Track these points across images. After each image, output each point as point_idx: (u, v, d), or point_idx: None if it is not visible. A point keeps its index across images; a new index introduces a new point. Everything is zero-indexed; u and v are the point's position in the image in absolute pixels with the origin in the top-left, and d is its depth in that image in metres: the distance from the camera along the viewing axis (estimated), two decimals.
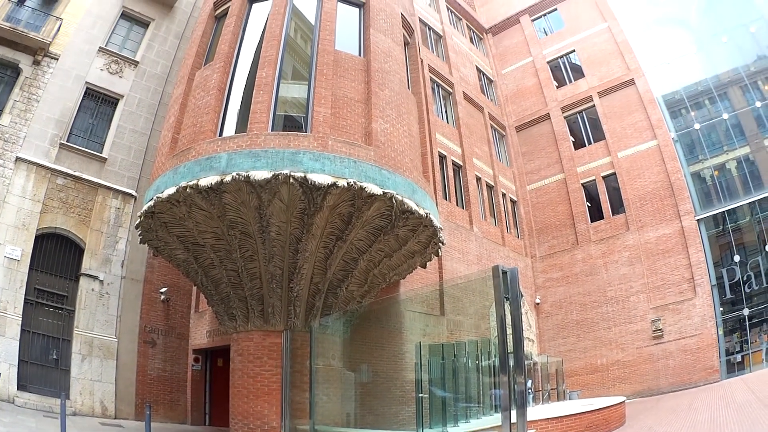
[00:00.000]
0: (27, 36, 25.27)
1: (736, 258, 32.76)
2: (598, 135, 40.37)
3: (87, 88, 27.08)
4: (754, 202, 33.20)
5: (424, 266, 22.77)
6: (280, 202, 16.21)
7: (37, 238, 23.47)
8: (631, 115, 39.11)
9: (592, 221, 38.35)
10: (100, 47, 28.10)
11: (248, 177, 15.62)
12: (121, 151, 26.93)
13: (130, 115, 27.98)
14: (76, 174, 24.95)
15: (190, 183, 16.02)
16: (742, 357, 31.81)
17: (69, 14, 27.68)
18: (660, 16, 42.07)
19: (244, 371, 18.67)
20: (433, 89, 36.29)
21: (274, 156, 16.15)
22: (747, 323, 31.79)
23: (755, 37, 37.04)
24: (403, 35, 24.25)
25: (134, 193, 26.42)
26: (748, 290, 32.00)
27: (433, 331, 27.07)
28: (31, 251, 23.05)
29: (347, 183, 16.24)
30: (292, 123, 18.80)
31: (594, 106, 41.19)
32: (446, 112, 37.79)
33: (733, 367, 31.60)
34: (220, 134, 18.05)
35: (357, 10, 22.44)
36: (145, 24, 30.95)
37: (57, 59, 26.56)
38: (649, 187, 36.46)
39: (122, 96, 28.08)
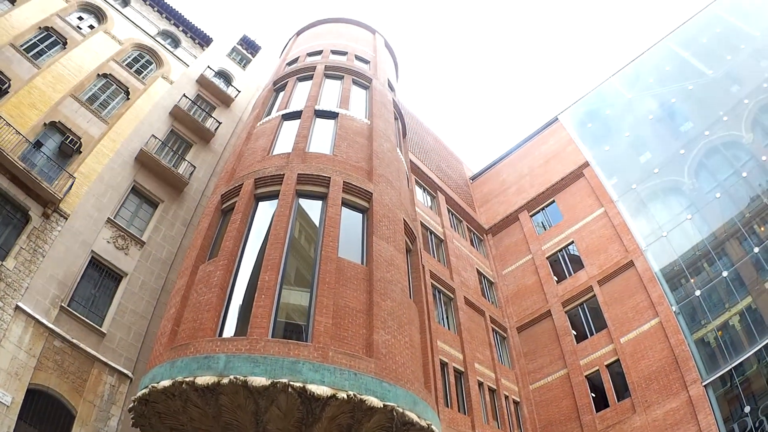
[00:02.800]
0: (40, 185, 25.42)
1: (747, 408, 31.83)
2: (600, 323, 40.06)
3: (92, 257, 27.06)
4: (760, 349, 32.72)
5: None
6: (277, 409, 15.98)
7: (28, 391, 22.48)
8: (631, 297, 39.02)
9: (597, 411, 37.13)
10: (108, 218, 28.36)
11: (246, 382, 15.48)
12: (120, 329, 26.44)
13: (132, 296, 27.73)
14: (74, 341, 24.34)
15: (187, 379, 15.89)
16: None
17: (82, 174, 28.23)
18: (655, 189, 42.98)
19: None
20: (434, 295, 36.50)
21: (273, 363, 16.06)
22: None
23: (748, 180, 37.73)
24: (406, 242, 24.76)
25: (130, 374, 25.62)
26: None
27: None
28: (21, 402, 21.93)
29: (347, 395, 16.02)
30: (292, 329, 18.78)
31: (594, 295, 41.10)
32: (447, 317, 37.73)
33: None
34: (220, 333, 18.05)
35: (360, 215, 23.27)
36: (154, 204, 31.52)
37: (66, 218, 26.73)
38: (654, 366, 35.70)
39: (126, 274, 27.97)
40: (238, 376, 15.65)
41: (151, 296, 28.56)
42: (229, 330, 18.44)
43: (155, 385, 16.66)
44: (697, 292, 36.16)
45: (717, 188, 39.10)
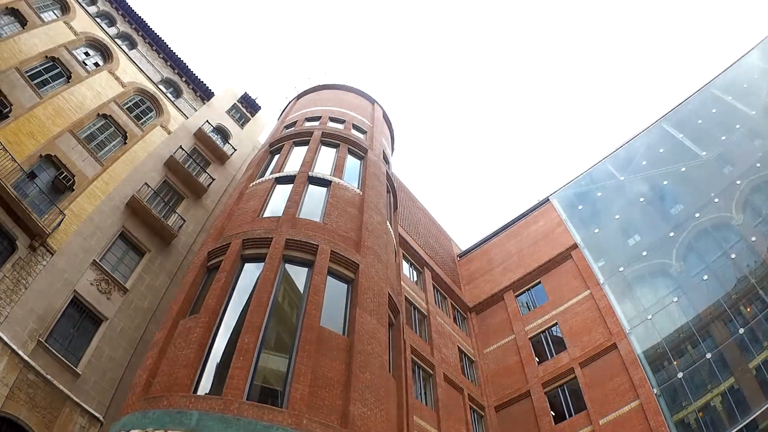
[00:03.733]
0: (30, 216, 25.54)
1: None
2: (580, 405, 39.61)
3: (74, 296, 27.01)
4: (741, 428, 32.47)
5: None
6: None
7: None
8: (612, 379, 38.75)
9: None
10: (94, 260, 28.40)
11: None
12: (95, 372, 26.29)
13: (111, 341, 27.70)
14: (48, 377, 24.21)
15: (158, 431, 15.79)
16: None
17: (72, 212, 28.39)
18: (642, 272, 43.18)
19: None
20: (413, 370, 36.23)
21: (246, 426, 15.93)
22: None
23: (736, 262, 38.02)
24: (389, 315, 24.86)
25: (101, 418, 25.48)
26: None
27: None
28: None
29: None
30: (268, 394, 18.61)
31: (575, 377, 40.82)
32: (425, 393, 37.39)
33: None
34: (195, 390, 17.87)
35: (345, 286, 23.40)
36: (141, 253, 31.71)
37: (52, 254, 26.82)
38: None
39: (107, 318, 27.98)
40: None
41: (129, 344, 28.59)
42: (205, 387, 18.27)
43: None
44: (680, 375, 36.06)
45: (705, 270, 39.35)
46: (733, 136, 46.22)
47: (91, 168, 31.26)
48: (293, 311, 21.71)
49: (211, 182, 39.26)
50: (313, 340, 19.52)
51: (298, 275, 22.97)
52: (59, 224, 27.29)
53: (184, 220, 35.21)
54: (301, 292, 22.11)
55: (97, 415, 25.47)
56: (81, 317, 27.37)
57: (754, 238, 38.22)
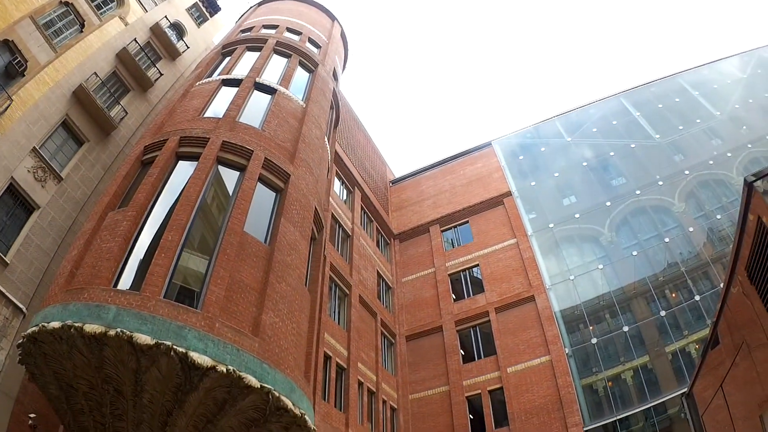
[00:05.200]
0: None
1: None
2: (490, 350, 40.44)
3: (11, 183, 26.19)
4: (650, 408, 33.29)
5: None
6: (157, 371, 15.64)
7: None
8: (526, 331, 39.52)
9: None
10: (34, 147, 27.58)
11: (131, 338, 15.15)
12: (23, 262, 25.66)
13: (41, 231, 27.04)
14: None
15: (76, 324, 15.44)
16: None
17: (19, 98, 27.29)
18: (571, 233, 43.75)
19: None
20: (330, 288, 36.27)
21: (160, 325, 15.78)
22: None
23: (669, 246, 38.80)
24: (312, 230, 24.99)
25: (25, 309, 24.87)
26: None
27: None
28: None
29: (227, 370, 15.87)
30: (186, 294, 18.47)
31: (489, 321, 41.51)
32: (339, 312, 37.60)
33: None
34: (116, 284, 17.67)
35: (274, 194, 23.29)
36: (80, 142, 30.86)
37: None
38: (537, 401, 36.20)
39: (39, 207, 27.28)
40: (125, 331, 15.32)
41: (57, 234, 28.00)
42: (125, 283, 17.98)
43: (45, 324, 16.18)
44: (594, 340, 36.77)
45: (636, 247, 40.09)
46: (692, 129, 46.88)
47: (45, 55, 30.08)
48: (220, 214, 21.48)
49: (159, 77, 38.24)
50: (234, 245, 19.41)
51: (230, 179, 22.72)
52: (5, 109, 26.24)
53: (126, 113, 34.31)
54: (230, 195, 21.92)
55: (20, 306, 24.97)
56: (15, 205, 26.63)
57: (691, 229, 39.04)
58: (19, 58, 28.16)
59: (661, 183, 42.91)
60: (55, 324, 15.88)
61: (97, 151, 31.69)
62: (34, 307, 24.43)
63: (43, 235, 27.21)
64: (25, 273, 25.74)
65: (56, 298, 17.42)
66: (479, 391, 38.80)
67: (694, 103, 49.48)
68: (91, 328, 15.37)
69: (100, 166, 31.53)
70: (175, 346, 15.41)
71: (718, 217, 38.89)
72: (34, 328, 16.57)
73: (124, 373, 15.92)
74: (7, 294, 24.42)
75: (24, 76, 28.32)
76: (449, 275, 46.42)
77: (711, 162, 42.77)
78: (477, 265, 45.92)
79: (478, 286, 44.99)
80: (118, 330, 15.27)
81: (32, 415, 25.52)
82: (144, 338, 15.30)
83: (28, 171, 27.17)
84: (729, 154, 42.56)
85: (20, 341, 17.29)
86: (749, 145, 42.63)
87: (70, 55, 31.57)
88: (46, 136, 28.89)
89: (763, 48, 52.10)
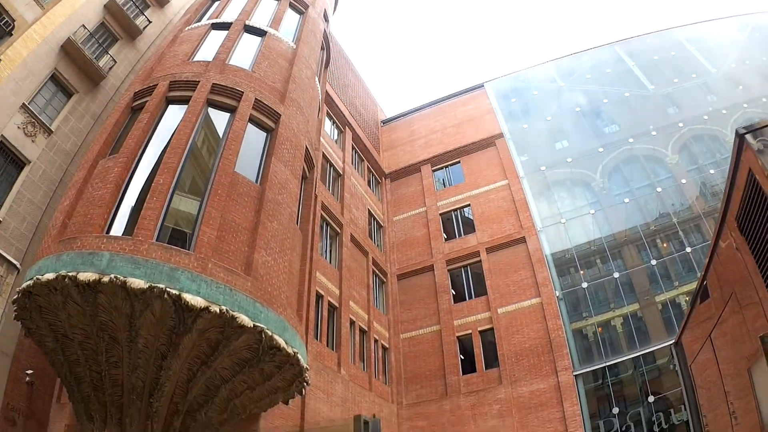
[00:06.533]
0: None
1: (615, 410, 32.87)
2: (481, 290, 40.77)
3: (1, 141, 26.17)
4: (638, 357, 33.68)
5: (286, 403, 22.49)
6: (151, 315, 15.76)
7: None
8: (517, 272, 39.82)
9: (463, 374, 38.03)
10: (23, 103, 27.40)
11: (125, 283, 15.22)
12: (15, 218, 25.73)
13: (32, 185, 27.07)
14: None
15: (70, 273, 15.49)
16: None
17: (7, 58, 27.10)
18: (563, 177, 43.75)
19: None
20: (321, 226, 36.34)
21: (153, 268, 15.83)
22: None
23: (661, 197, 39.00)
24: (303, 169, 24.91)
25: (19, 265, 25.06)
26: None
27: None
28: None
29: (220, 310, 15.99)
30: (178, 237, 18.49)
31: (480, 261, 41.79)
32: (331, 251, 37.72)
33: None
34: (108, 230, 17.70)
35: (265, 135, 23.20)
36: (69, 94, 30.61)
37: None
38: (527, 343, 36.66)
39: (30, 162, 27.24)
40: (118, 276, 15.37)
41: (49, 187, 27.97)
42: (118, 229, 18.05)
43: (39, 277, 16.22)
44: (584, 284, 37.06)
45: (628, 194, 40.24)
46: (687, 83, 46.57)
47: (32, 13, 29.56)
48: (210, 156, 21.43)
49: (147, 25, 37.59)
50: (226, 185, 19.44)
51: (220, 121, 22.62)
52: None
53: (115, 62, 33.89)
54: (221, 137, 21.85)
55: (14, 262, 25.02)
56: (6, 162, 26.55)
57: (684, 181, 39.08)
58: (6, 19, 27.78)
59: (654, 133, 42.83)
60: (50, 275, 15.93)
61: (86, 101, 31.45)
62: (28, 263, 24.43)
63: (35, 190, 27.21)
64: (18, 228, 25.81)
65: (49, 250, 17.47)
66: (470, 331, 39.19)
67: (690, 58, 49.09)
68: (85, 276, 15.41)
69: (89, 117, 31.32)
70: (168, 289, 15.49)
71: (712, 171, 38.86)
72: (28, 282, 16.63)
73: (118, 319, 16.03)
74: (0, 251, 24.53)
75: (11, 35, 28.02)
76: (440, 215, 46.53)
77: (706, 117, 42.64)
78: (468, 205, 46.04)
79: (469, 227, 45.16)
80: (112, 276, 15.32)
81: (29, 372, 25.89)
82: (137, 282, 15.35)
83: (18, 127, 27.07)
84: (724, 111, 42.35)
85: (15, 297, 17.37)
86: (745, 105, 42.32)
87: (58, 10, 31.15)
88: (36, 91, 28.69)
89: (763, 13, 51.50)
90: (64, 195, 21.23)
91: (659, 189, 39.48)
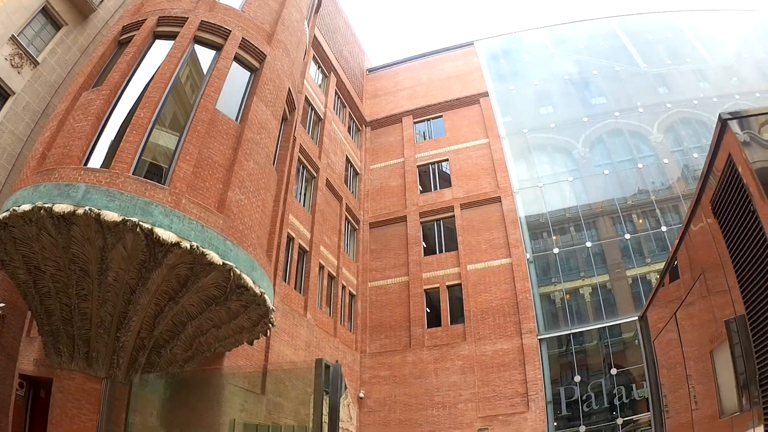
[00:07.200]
0: None
1: (577, 378, 33.57)
2: (452, 245, 41.12)
3: None
4: (604, 328, 34.25)
5: (251, 343, 22.66)
6: (123, 248, 15.75)
7: None
8: (489, 231, 40.15)
9: (428, 327, 38.53)
10: (12, 35, 26.76)
11: (99, 215, 15.15)
12: None
13: (15, 116, 26.47)
14: None
15: (46, 205, 15.37)
16: None
17: None
18: (545, 142, 43.93)
19: (63, 410, 17.83)
20: (298, 170, 36.35)
21: (128, 201, 15.79)
22: None
23: (642, 173, 39.29)
24: (284, 110, 24.88)
25: None
26: (586, 409, 32.90)
27: (251, 408, 26.61)
28: None
29: (190, 246, 15.99)
30: (155, 172, 18.41)
31: (453, 216, 42.06)
32: (305, 195, 37.84)
33: None
34: (87, 162, 17.58)
35: (249, 74, 23.13)
36: (58, 26, 29.88)
37: None
38: (494, 302, 37.17)
39: (14, 93, 26.57)
40: (93, 209, 15.29)
41: (31, 118, 27.47)
42: (96, 161, 17.88)
43: (16, 209, 16.10)
44: (556, 250, 37.43)
45: (608, 166, 40.40)
46: (681, 66, 46.77)
47: None
48: (193, 93, 21.29)
49: None
50: (205, 121, 19.38)
51: (206, 59, 22.45)
52: None
53: None
54: (205, 74, 21.69)
55: None
56: None
57: (666, 161, 39.43)
58: None
59: (641, 110, 43.01)
60: (26, 207, 15.82)
61: (74, 34, 30.76)
62: (6, 194, 24.25)
63: (17, 121, 26.77)
64: None
65: (27, 181, 17.37)
66: (438, 285, 39.59)
67: (686, 44, 49.16)
68: (60, 207, 15.32)
69: (77, 49, 30.68)
70: (141, 222, 15.45)
71: (695, 155, 39.05)
72: (5, 213, 16.50)
73: (90, 252, 16.00)
74: None
75: None
76: (418, 167, 46.69)
77: (696, 102, 42.78)
78: (446, 159, 46.18)
79: (445, 181, 45.39)
80: (86, 208, 15.25)
81: (1, 305, 25.65)
82: (111, 215, 15.30)
83: (6, 59, 26.54)
84: (715, 99, 42.36)
85: None
86: (737, 96, 42.37)
87: None
88: (25, 23, 28.04)
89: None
90: (46, 126, 21.04)
91: (640, 165, 39.77)
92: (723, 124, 6.61)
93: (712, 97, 42.80)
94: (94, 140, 18.37)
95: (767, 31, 49.37)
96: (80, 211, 15.22)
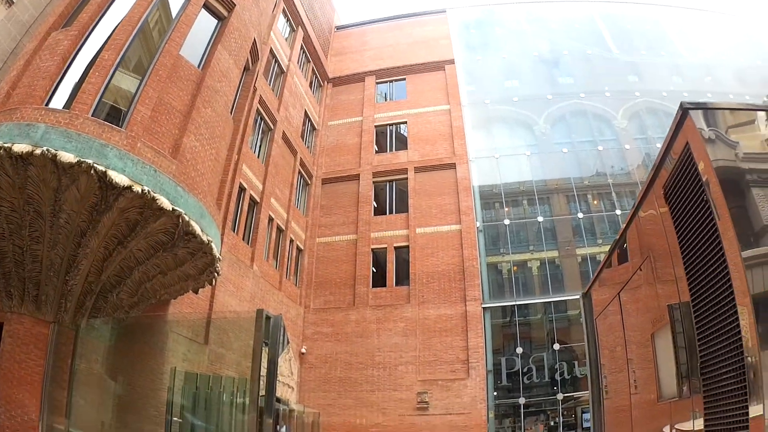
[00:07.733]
0: None
1: (519, 350, 34.08)
2: (402, 207, 41.36)
3: None
4: (549, 303, 34.81)
5: (196, 291, 22.69)
6: (76, 190, 15.65)
7: None
8: (441, 196, 40.34)
9: (373, 287, 38.84)
10: None
11: (56, 156, 15.02)
12: None
13: None
14: None
15: (5, 145, 15.15)
16: None
17: None
18: (506, 115, 44.16)
19: (12, 355, 17.68)
20: (255, 120, 36.01)
21: (85, 142, 15.65)
22: (522, 411, 33.24)
23: (601, 155, 39.66)
24: (248, 60, 24.82)
25: None
26: (527, 381, 33.55)
27: (194, 358, 26.59)
28: None
29: (142, 190, 15.96)
30: (115, 115, 18.27)
31: (407, 179, 42.21)
32: (261, 146, 37.56)
33: None
34: (48, 103, 17.37)
35: (216, 21, 22.95)
36: None
37: None
38: (440, 267, 37.47)
39: None
40: (50, 149, 15.15)
41: (0, 58, 26.89)
42: (59, 102, 17.66)
43: None
44: (507, 221, 37.71)
45: (568, 145, 40.77)
46: (655, 57, 47.22)
47: None
48: (160, 38, 20.97)
49: None
50: (168, 66, 19.32)
51: (176, 4, 21.99)
52: None
53: None
54: (173, 19, 21.42)
55: None
56: None
57: (628, 146, 39.95)
58: None
59: (608, 95, 43.34)
60: None
61: None
62: None
63: None
64: None
65: None
66: (385, 245, 39.78)
67: (663, 37, 49.64)
68: (19, 147, 15.13)
69: None
70: (95, 164, 15.35)
71: (658, 145, 39.00)
72: None
73: (45, 193, 15.87)
74: None
75: None
76: (376, 127, 46.60)
77: (665, 94, 43.04)
78: (405, 122, 46.24)
79: (402, 143, 45.49)
80: (44, 149, 15.10)
81: None
82: (67, 156, 15.16)
83: None
84: (686, 94, 42.22)
85: None
86: (709, 95, 42.06)
87: None
88: None
89: (753, 19, 51.32)
90: (13, 66, 20.69)
91: (601, 148, 40.19)
92: (684, 112, 6.68)
93: (683, 91, 42.87)
94: (57, 80, 18.12)
95: (748, 36, 49.77)
96: (38, 151, 15.06)
